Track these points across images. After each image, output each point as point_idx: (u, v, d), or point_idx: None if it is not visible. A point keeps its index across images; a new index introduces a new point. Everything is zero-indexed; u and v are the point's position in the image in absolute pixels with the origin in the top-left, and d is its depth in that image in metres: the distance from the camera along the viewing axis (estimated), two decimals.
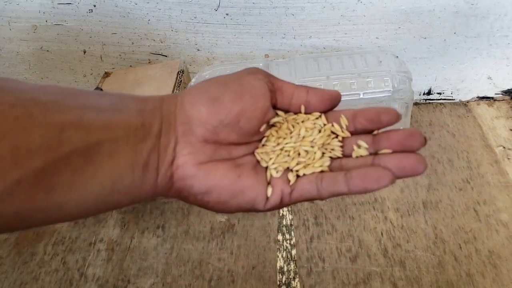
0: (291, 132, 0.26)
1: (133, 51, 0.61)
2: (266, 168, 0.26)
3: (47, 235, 0.50)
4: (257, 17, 0.55)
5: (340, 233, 0.49)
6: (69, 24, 0.58)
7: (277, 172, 0.25)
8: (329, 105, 0.27)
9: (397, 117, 0.25)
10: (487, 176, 0.55)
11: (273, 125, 0.27)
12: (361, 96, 0.48)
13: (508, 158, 0.57)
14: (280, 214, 0.52)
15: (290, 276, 0.45)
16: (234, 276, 0.46)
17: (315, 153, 0.26)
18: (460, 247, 0.47)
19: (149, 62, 0.62)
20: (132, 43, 0.60)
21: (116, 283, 0.46)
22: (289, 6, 0.54)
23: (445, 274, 0.45)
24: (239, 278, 0.45)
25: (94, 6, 0.55)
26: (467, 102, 0.67)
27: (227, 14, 0.55)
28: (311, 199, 0.25)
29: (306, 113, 0.27)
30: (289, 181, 0.25)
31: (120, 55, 0.61)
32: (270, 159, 0.26)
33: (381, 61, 0.50)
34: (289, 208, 0.52)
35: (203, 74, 0.52)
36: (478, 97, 0.66)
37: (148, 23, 0.57)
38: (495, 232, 0.49)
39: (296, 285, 0.45)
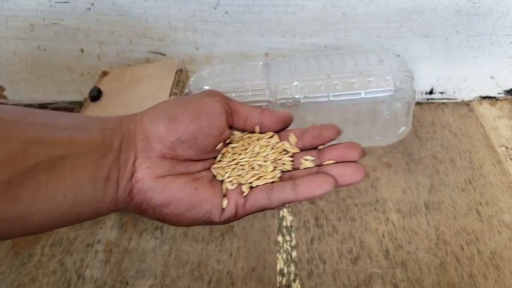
0: (246, 149, 0.28)
1: (131, 50, 0.60)
2: (222, 182, 0.27)
3: (44, 236, 0.50)
4: (257, 15, 0.55)
5: (341, 235, 0.49)
6: (67, 23, 0.57)
7: (232, 184, 0.27)
8: (282, 125, 0.29)
9: (338, 132, 0.28)
10: (490, 176, 0.55)
11: (228, 144, 0.29)
12: (363, 95, 0.48)
13: (511, 158, 0.57)
14: (280, 216, 0.51)
15: (290, 278, 0.45)
16: (233, 278, 0.45)
17: (267, 166, 0.28)
18: (462, 248, 0.47)
19: (148, 61, 0.61)
20: (130, 41, 0.59)
21: (114, 284, 0.45)
22: (290, 4, 0.53)
23: (447, 276, 0.44)
24: (238, 280, 0.45)
25: (92, 4, 0.55)
26: (469, 101, 0.66)
27: (226, 12, 0.55)
28: (263, 208, 0.27)
29: (260, 132, 0.29)
30: (243, 192, 0.27)
31: (118, 54, 0.61)
32: (226, 173, 0.27)
33: (382, 60, 0.49)
34: (289, 210, 0.52)
35: (202, 73, 0.51)
36: (480, 96, 0.66)
37: (146, 21, 0.56)
38: (497, 233, 0.48)
39: (297, 287, 0.44)
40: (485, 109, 0.65)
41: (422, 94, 0.65)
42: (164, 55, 0.61)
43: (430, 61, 0.60)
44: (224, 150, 0.28)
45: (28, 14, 0.56)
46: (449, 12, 0.54)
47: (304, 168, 0.28)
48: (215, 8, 0.54)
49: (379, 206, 0.52)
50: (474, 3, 0.53)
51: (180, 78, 0.53)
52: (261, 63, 0.51)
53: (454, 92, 0.65)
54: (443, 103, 0.67)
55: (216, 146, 0.27)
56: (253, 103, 0.48)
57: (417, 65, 0.60)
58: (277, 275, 0.45)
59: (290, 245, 0.48)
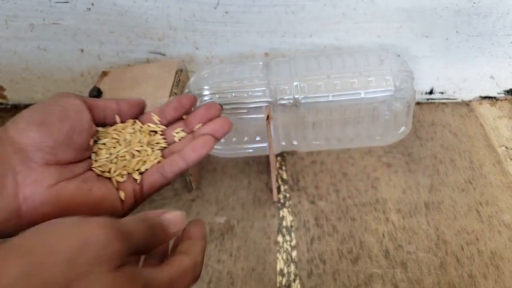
0: (117, 141, 0.29)
1: (131, 50, 0.60)
2: (110, 178, 0.28)
3: None
4: (257, 15, 0.55)
5: (341, 235, 0.49)
6: (67, 23, 0.57)
7: (122, 177, 0.27)
8: (138, 110, 0.31)
9: (195, 99, 0.31)
10: (490, 176, 0.55)
11: (97, 141, 0.29)
12: (362, 95, 0.48)
13: (511, 158, 0.57)
14: (280, 216, 0.51)
15: (290, 278, 0.45)
16: (233, 278, 0.45)
17: (146, 150, 0.29)
18: (462, 248, 0.47)
19: (148, 61, 0.61)
20: (130, 41, 0.59)
21: None
22: (290, 4, 0.53)
23: (447, 276, 0.44)
24: (238, 280, 0.45)
25: (92, 4, 0.55)
26: (469, 101, 0.66)
27: (226, 12, 0.55)
28: (161, 186, 0.28)
29: (121, 122, 0.30)
30: (135, 180, 0.28)
31: (118, 54, 0.61)
32: (110, 168, 0.28)
33: (382, 60, 0.49)
34: (289, 210, 0.52)
35: (202, 73, 0.51)
36: (480, 96, 0.66)
37: (146, 21, 0.56)
38: (497, 233, 0.48)
39: (297, 287, 0.44)
40: (485, 109, 0.65)
41: (422, 94, 0.65)
42: (164, 55, 0.61)
43: (430, 61, 0.60)
44: (95, 149, 0.28)
45: (28, 14, 0.56)
46: (449, 12, 0.54)
47: (179, 139, 0.30)
48: (215, 8, 0.54)
49: (379, 206, 0.52)
50: (474, 3, 0.53)
51: (180, 78, 0.53)
52: (261, 63, 0.51)
53: (454, 92, 0.65)
54: (443, 103, 0.67)
55: (89, 142, 0.27)
56: (253, 103, 0.48)
57: (417, 65, 0.60)
58: (277, 275, 0.45)
59: (290, 245, 0.48)
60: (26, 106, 0.68)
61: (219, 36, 0.58)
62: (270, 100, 0.48)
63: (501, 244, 0.47)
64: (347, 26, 0.56)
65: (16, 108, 0.69)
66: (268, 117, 0.45)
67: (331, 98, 0.48)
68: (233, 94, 0.48)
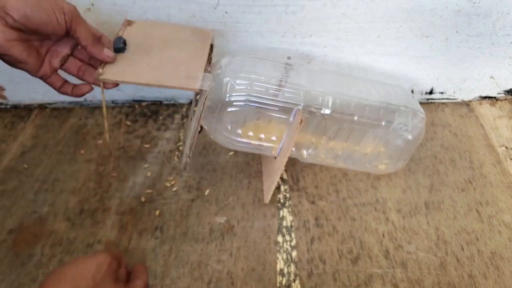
0: None
1: None
2: None
3: (44, 236, 0.50)
4: (257, 15, 0.55)
5: (341, 235, 0.49)
6: None
7: None
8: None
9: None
10: (490, 176, 0.55)
11: None
12: (383, 124, 0.49)
13: (511, 158, 0.57)
14: (280, 216, 0.51)
15: (290, 278, 0.45)
16: (233, 278, 0.45)
17: None
18: (462, 248, 0.47)
19: None
20: None
21: None
22: (289, 4, 0.53)
23: (447, 276, 0.44)
24: (238, 280, 0.45)
25: (92, 4, 0.55)
26: (469, 101, 0.66)
27: (226, 12, 0.55)
28: None
29: None
30: None
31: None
32: None
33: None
34: (289, 210, 0.52)
35: (235, 58, 0.49)
36: (480, 96, 0.66)
37: None
38: (497, 233, 0.48)
39: (297, 287, 0.44)
40: (485, 109, 0.65)
41: (422, 94, 0.65)
42: None
43: (430, 61, 0.60)
44: None
45: None
46: (449, 12, 0.54)
47: None
48: (215, 8, 0.54)
49: (379, 206, 0.52)
50: (474, 3, 0.53)
51: (211, 56, 0.46)
52: (301, 66, 0.50)
53: (454, 92, 0.65)
54: (443, 103, 0.67)
55: None
56: (286, 104, 0.46)
57: (417, 65, 0.60)
58: (277, 275, 0.45)
59: (290, 245, 0.48)
60: (26, 106, 0.69)
61: (219, 36, 0.58)
62: (301, 103, 0.46)
63: (501, 244, 0.47)
64: (347, 26, 0.56)
65: (16, 108, 0.69)
66: (301, 121, 0.43)
67: (356, 119, 0.47)
68: (269, 90, 0.45)
